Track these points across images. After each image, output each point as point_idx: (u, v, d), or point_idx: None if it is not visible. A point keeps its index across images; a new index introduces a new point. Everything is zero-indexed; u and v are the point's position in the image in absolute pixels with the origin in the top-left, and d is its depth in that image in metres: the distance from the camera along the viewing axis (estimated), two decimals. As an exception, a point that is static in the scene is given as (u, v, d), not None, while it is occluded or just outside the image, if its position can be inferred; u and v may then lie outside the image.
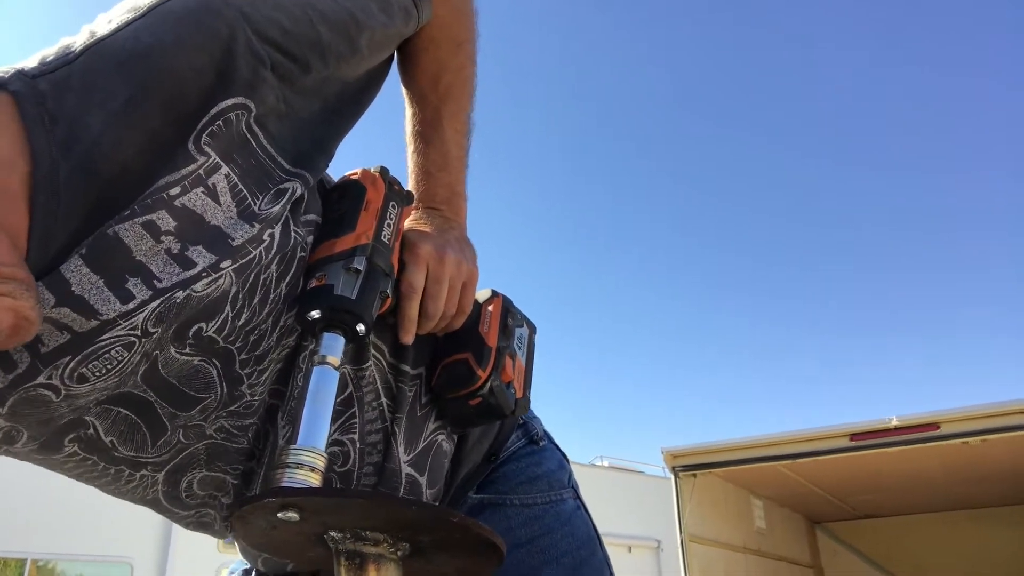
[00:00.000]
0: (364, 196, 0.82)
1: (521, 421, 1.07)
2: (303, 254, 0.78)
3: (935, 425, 5.23)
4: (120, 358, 0.68)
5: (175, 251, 0.66)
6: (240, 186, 0.70)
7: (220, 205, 0.68)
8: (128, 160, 0.64)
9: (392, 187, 0.85)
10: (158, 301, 0.66)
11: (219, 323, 0.73)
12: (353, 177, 0.85)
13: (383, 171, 0.85)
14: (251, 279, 0.72)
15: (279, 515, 0.60)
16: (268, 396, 0.83)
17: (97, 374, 0.68)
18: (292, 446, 0.70)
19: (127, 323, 0.65)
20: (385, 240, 0.81)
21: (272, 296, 0.76)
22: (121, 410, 0.75)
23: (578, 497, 1.07)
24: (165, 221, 0.65)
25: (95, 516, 6.29)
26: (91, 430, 0.75)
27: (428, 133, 0.98)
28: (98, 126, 0.63)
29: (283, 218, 0.74)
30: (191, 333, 0.72)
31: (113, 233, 0.63)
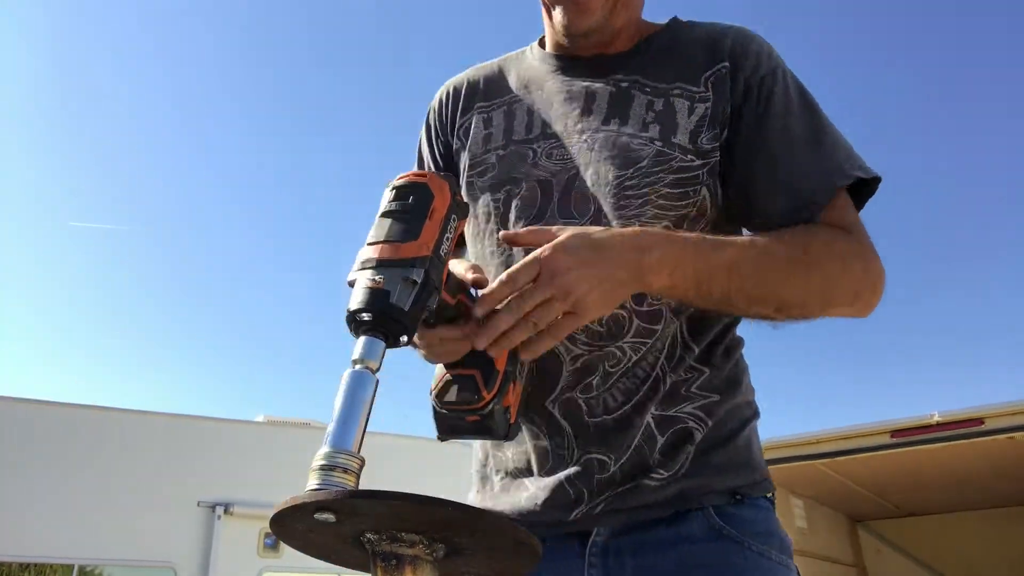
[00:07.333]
0: (431, 203, 0.81)
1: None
2: None
3: (979, 420, 5.10)
4: None
5: None
6: None
7: None
8: None
9: (455, 198, 0.84)
10: None
11: None
12: (421, 180, 0.83)
13: (450, 179, 0.85)
14: None
15: (315, 516, 0.60)
16: None
17: None
18: (325, 448, 0.70)
19: None
20: (442, 254, 0.80)
21: None
22: None
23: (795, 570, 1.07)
24: None
25: (139, 522, 6.39)
26: None
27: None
28: None
29: None
30: None
31: None
